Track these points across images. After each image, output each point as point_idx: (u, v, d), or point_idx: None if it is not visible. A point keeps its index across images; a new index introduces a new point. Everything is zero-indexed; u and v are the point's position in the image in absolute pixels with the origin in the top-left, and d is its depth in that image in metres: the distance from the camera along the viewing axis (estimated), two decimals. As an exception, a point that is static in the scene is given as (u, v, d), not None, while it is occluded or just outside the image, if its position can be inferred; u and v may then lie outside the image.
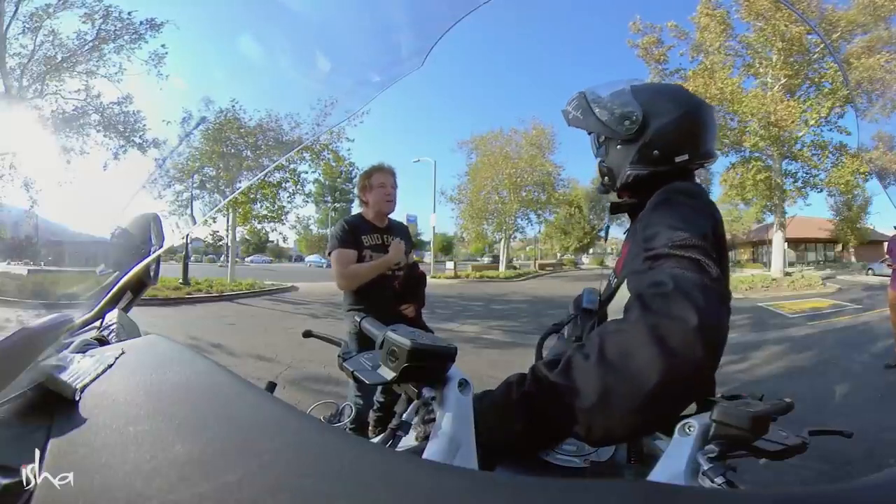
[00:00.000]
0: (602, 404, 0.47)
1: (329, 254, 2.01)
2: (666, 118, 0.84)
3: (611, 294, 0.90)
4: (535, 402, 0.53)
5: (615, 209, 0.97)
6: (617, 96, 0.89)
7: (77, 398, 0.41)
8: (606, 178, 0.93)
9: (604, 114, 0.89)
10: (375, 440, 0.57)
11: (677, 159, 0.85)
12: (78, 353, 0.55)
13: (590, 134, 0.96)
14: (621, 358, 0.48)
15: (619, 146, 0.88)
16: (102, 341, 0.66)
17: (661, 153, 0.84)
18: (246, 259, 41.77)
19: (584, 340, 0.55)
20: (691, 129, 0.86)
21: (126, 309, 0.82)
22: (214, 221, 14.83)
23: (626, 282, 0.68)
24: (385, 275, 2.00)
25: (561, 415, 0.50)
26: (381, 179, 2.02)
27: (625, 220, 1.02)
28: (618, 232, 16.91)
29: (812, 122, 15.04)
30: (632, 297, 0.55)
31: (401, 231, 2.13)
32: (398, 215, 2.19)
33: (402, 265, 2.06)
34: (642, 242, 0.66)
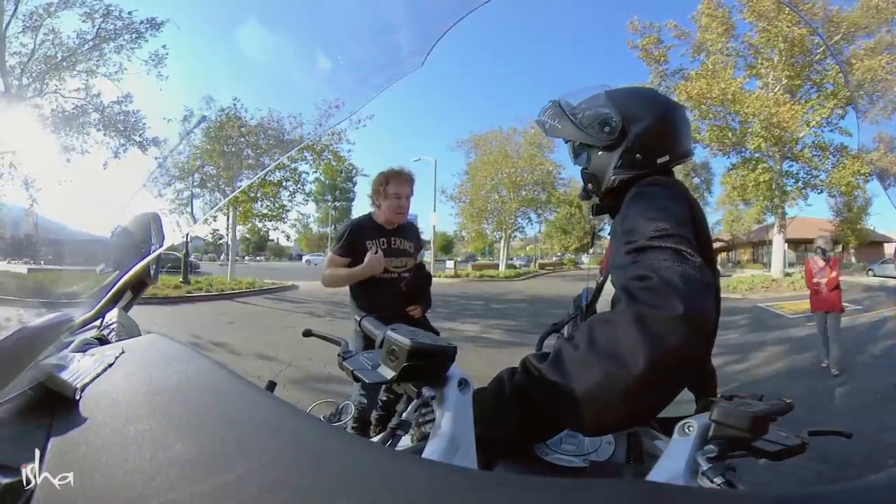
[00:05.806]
0: (591, 393, 0.48)
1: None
2: (645, 122, 0.86)
3: (597, 292, 0.91)
4: (528, 394, 0.54)
5: (598, 211, 0.99)
6: (593, 103, 0.91)
7: (77, 397, 0.41)
8: (590, 184, 0.94)
9: (582, 121, 0.90)
10: (375, 439, 0.57)
11: (659, 160, 0.88)
12: (78, 352, 0.55)
13: (567, 142, 0.97)
14: (609, 347, 0.49)
15: (600, 153, 0.90)
16: (102, 340, 0.66)
17: (643, 156, 0.87)
18: (303, 257, 38.35)
19: (574, 332, 0.55)
20: (669, 130, 0.89)
21: (126, 308, 0.82)
22: (215, 220, 14.83)
23: (610, 277, 0.69)
24: (394, 276, 2.01)
25: (553, 405, 0.51)
26: (396, 189, 1.99)
27: (608, 220, 1.04)
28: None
29: (813, 123, 15.01)
30: (617, 289, 0.56)
31: (410, 231, 2.14)
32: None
33: (409, 267, 2.07)
34: (622, 237, 0.68)
